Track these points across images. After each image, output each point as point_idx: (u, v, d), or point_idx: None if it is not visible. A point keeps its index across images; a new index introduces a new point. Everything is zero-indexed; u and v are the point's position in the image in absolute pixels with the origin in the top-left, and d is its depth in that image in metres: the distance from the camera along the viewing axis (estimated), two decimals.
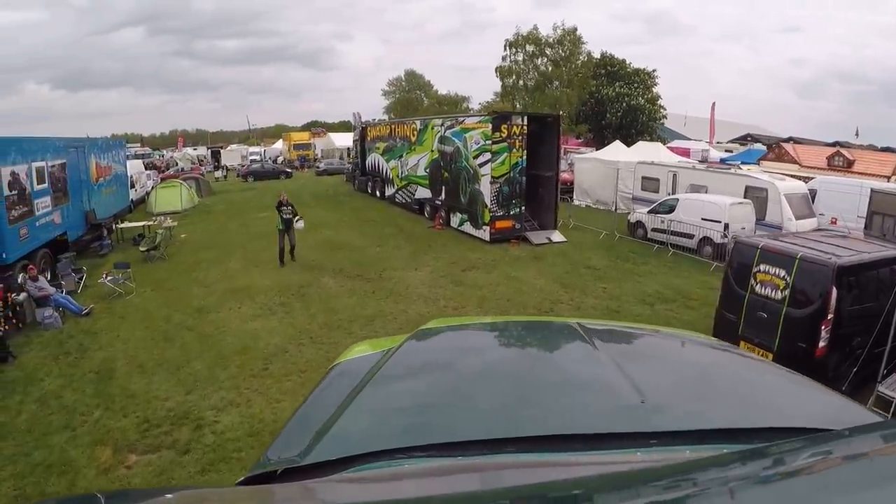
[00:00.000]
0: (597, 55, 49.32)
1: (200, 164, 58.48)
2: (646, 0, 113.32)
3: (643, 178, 23.12)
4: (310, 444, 1.54)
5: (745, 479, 1.01)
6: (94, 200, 20.40)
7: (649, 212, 18.79)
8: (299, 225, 16.81)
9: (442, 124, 20.86)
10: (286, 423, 1.94)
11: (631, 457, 1.38)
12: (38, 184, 15.22)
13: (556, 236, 18.86)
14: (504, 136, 17.51)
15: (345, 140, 53.55)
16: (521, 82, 52.21)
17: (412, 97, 74.96)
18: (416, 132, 23.42)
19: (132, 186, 30.08)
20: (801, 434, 1.39)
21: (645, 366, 2.08)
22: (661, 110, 46.68)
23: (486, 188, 17.92)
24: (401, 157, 25.34)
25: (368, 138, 30.83)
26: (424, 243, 18.75)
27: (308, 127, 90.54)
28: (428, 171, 22.25)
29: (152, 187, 30.62)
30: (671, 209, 17.90)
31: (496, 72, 52.54)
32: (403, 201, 25.68)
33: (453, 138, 19.83)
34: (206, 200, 32.49)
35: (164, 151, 73.44)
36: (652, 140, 38.31)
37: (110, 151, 24.47)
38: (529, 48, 50.88)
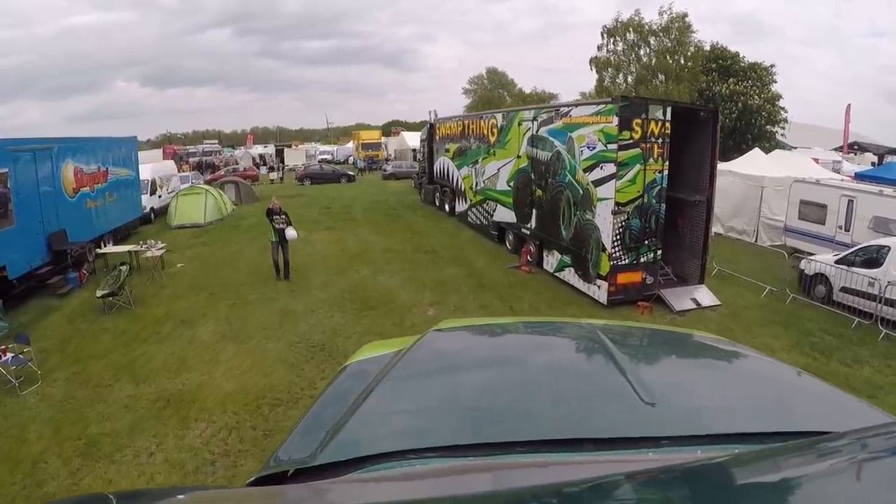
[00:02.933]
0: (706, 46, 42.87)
1: (263, 164, 54.13)
2: (731, 1, 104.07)
3: (802, 202, 16.39)
4: (321, 445, 1.54)
5: (754, 479, 1.02)
6: (67, 218, 15.97)
7: (838, 262, 12.09)
8: (290, 234, 14.28)
9: (534, 119, 14.36)
10: (297, 423, 1.91)
11: (643, 457, 1.38)
12: None
13: (705, 296, 12.11)
14: (636, 137, 10.96)
15: (418, 140, 47.98)
16: (620, 76, 46.06)
17: (494, 95, 71.37)
18: (495, 130, 17.06)
19: (153, 192, 25.82)
20: (814, 436, 1.38)
21: (657, 367, 2.18)
22: (782, 112, 39.06)
23: (604, 220, 11.37)
24: (475, 163, 19.03)
25: (437, 138, 24.73)
26: (503, 302, 12.32)
27: (388, 127, 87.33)
28: (512, 185, 15.83)
29: (175, 194, 25.51)
30: (876, 261, 11.36)
31: (591, 64, 46.97)
32: (478, 223, 19.41)
33: (552, 139, 13.33)
34: (243, 209, 27.43)
35: (240, 149, 69.87)
36: (771, 147, 31.54)
37: (107, 152, 19.68)
38: (630, 37, 44.83)
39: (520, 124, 15.05)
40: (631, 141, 10.81)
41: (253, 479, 1.52)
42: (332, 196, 31.84)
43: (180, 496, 1.45)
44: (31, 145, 14.72)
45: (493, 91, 74.25)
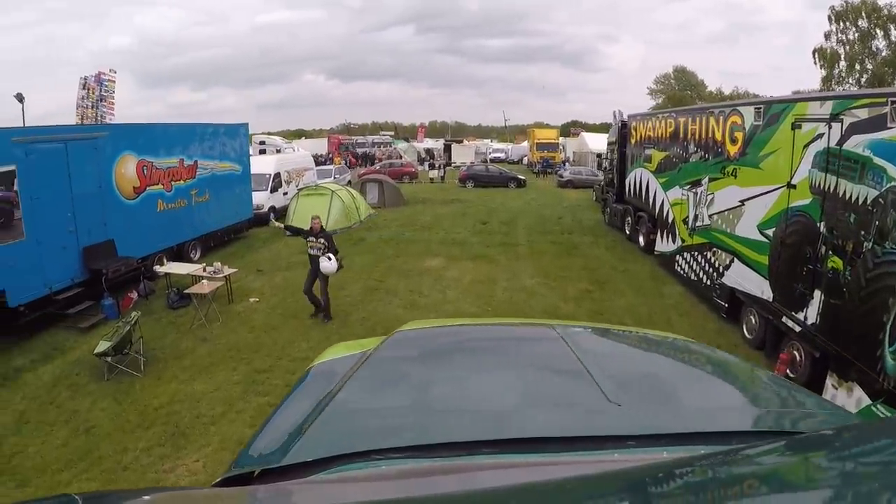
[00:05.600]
0: None
1: (430, 159, 50.62)
2: None
3: None
4: (287, 445, 1.57)
5: (719, 479, 1.03)
6: (120, 225, 13.25)
7: None
8: (327, 266, 10.83)
9: (833, 117, 7.84)
10: (264, 423, 1.97)
11: (608, 457, 1.42)
12: None
13: None
14: None
15: (601, 142, 42.12)
16: (853, 72, 37.46)
17: (684, 96, 65.29)
18: (739, 134, 10.88)
19: (275, 189, 22.98)
20: (780, 436, 1.51)
21: (623, 368, 2.21)
22: None
23: None
24: (695, 183, 12.94)
25: (632, 142, 18.78)
26: None
27: (567, 127, 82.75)
28: (773, 233, 9.44)
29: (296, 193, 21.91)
30: None
31: (815, 56, 38.78)
32: (692, 277, 13.21)
33: (884, 163, 6.81)
34: (383, 216, 23.49)
35: (414, 142, 67.83)
36: None
37: (198, 142, 16.69)
38: (862, 23, 36.24)
39: (796, 127, 8.76)
40: None
41: (219, 479, 1.53)
42: (494, 205, 27.02)
43: (146, 497, 1.45)
44: (55, 134, 12.10)
45: (681, 91, 67.95)
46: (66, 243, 11.67)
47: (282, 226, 11.70)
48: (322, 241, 10.97)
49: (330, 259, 10.76)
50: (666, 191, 14.99)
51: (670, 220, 14.68)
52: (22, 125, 20.52)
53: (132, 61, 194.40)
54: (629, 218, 19.06)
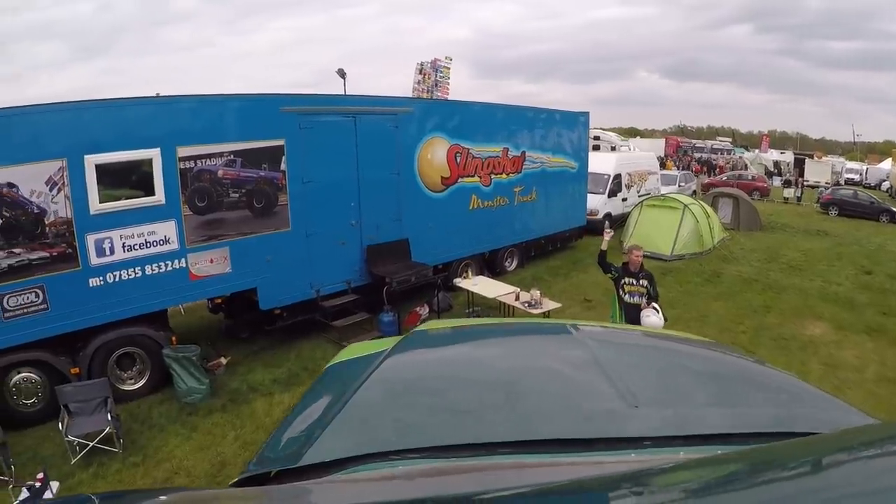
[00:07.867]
0: None
1: (777, 174, 42.54)
2: None
3: None
4: (304, 446, 1.52)
5: (734, 480, 1.00)
6: (420, 223, 10.73)
7: None
8: (655, 322, 6.96)
9: None
10: (281, 424, 1.90)
11: (626, 458, 1.37)
12: (103, 198, 6.93)
13: None
14: None
15: None
16: None
17: None
18: None
19: (613, 194, 18.69)
20: (795, 437, 1.39)
21: (639, 369, 2.09)
22: None
23: None
24: None
25: None
26: None
27: None
28: None
29: (640, 203, 17.47)
30: None
31: None
32: None
33: None
34: (736, 242, 18.18)
35: (753, 151, 59.17)
36: None
37: (526, 128, 13.33)
38: None
39: None
40: None
41: (237, 479, 1.48)
42: (871, 246, 19.20)
43: (163, 497, 1.41)
44: (341, 105, 9.76)
45: None
46: (346, 239, 9.47)
47: (611, 232, 7.57)
48: (645, 283, 7.33)
49: (657, 310, 7.15)
50: None
51: None
52: None
53: (468, 52, 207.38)
54: None
